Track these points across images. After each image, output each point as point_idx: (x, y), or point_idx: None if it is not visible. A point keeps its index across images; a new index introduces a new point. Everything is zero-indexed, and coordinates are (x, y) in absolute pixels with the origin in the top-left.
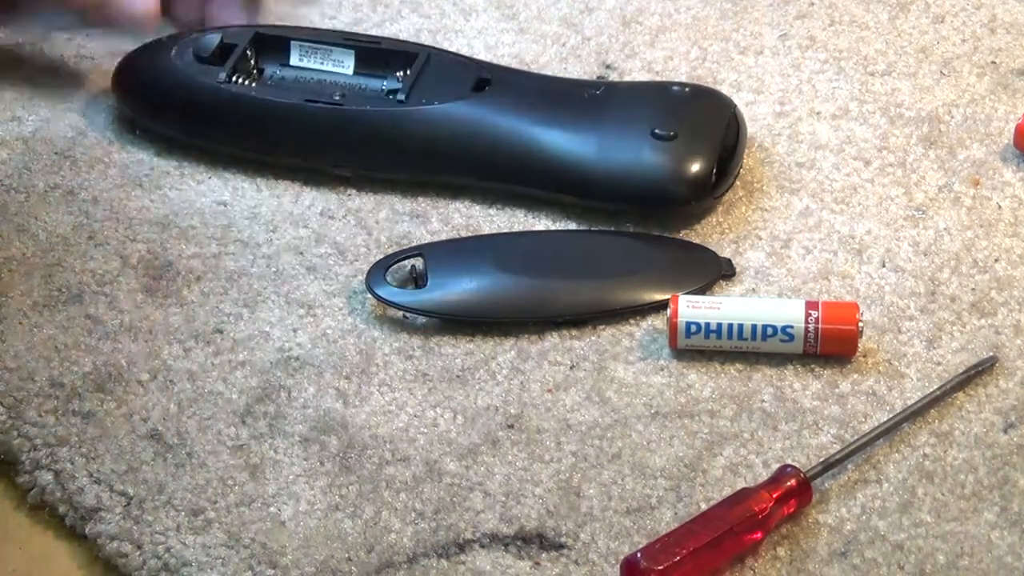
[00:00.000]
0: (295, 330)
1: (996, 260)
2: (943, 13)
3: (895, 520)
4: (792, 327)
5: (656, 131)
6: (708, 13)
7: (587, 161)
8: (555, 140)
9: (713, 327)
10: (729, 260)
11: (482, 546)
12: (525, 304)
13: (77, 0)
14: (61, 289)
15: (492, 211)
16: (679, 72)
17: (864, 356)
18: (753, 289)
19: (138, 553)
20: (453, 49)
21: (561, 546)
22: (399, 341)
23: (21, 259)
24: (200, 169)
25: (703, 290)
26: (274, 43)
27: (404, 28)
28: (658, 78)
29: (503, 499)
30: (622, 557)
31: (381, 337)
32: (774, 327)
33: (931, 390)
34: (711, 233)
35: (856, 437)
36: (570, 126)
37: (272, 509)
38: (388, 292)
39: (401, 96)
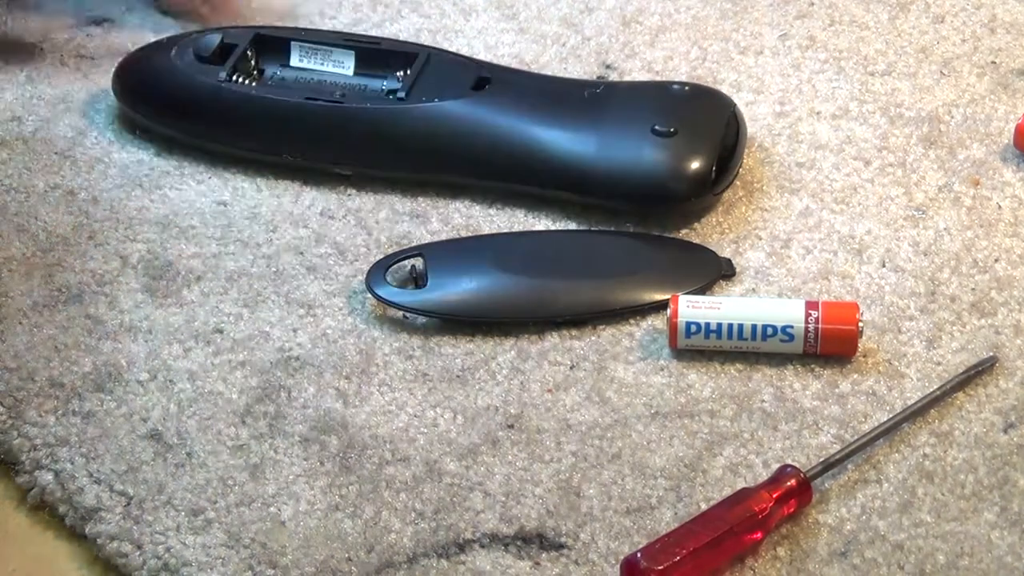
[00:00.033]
0: (295, 330)
1: (996, 260)
2: (943, 13)
3: (895, 520)
4: (792, 327)
5: (656, 128)
6: (708, 13)
7: (587, 158)
8: (555, 138)
9: (713, 327)
10: (729, 260)
11: (482, 546)
12: (525, 304)
13: None
14: (61, 289)
15: (492, 211)
16: (679, 72)
17: (864, 356)
18: (753, 289)
19: (138, 553)
20: (453, 49)
21: (561, 546)
22: (399, 341)
23: (21, 259)
24: (200, 169)
25: (703, 290)
26: (274, 44)
27: (404, 28)
28: (658, 78)
29: (503, 499)
30: (622, 557)
31: (381, 337)
32: (774, 327)
33: (931, 390)
34: (711, 233)
35: (856, 437)
36: (570, 124)
37: (272, 509)
38: (388, 292)
39: (401, 95)
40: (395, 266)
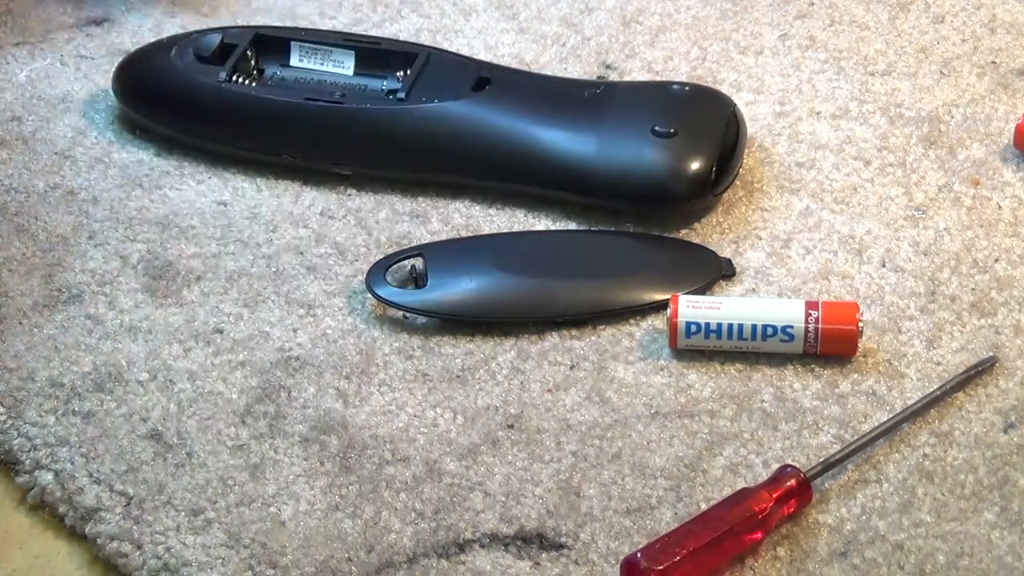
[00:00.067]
0: (295, 330)
1: (996, 260)
2: (943, 13)
3: (895, 520)
4: (792, 327)
5: (656, 128)
6: (708, 13)
7: (587, 159)
8: (555, 138)
9: (713, 327)
10: (729, 260)
11: (482, 546)
12: (525, 304)
13: None
14: (61, 289)
15: (492, 211)
16: (679, 72)
17: (864, 356)
18: (753, 289)
19: (138, 553)
20: (453, 49)
21: (561, 546)
22: (399, 341)
23: (21, 259)
24: (200, 169)
25: (703, 290)
26: (274, 44)
27: (404, 28)
28: (658, 78)
29: (503, 499)
30: (622, 557)
31: (381, 337)
32: (774, 327)
33: (931, 390)
34: (711, 233)
35: (856, 437)
36: (570, 124)
37: (272, 509)
38: (388, 292)
39: (401, 95)
40: (395, 266)
